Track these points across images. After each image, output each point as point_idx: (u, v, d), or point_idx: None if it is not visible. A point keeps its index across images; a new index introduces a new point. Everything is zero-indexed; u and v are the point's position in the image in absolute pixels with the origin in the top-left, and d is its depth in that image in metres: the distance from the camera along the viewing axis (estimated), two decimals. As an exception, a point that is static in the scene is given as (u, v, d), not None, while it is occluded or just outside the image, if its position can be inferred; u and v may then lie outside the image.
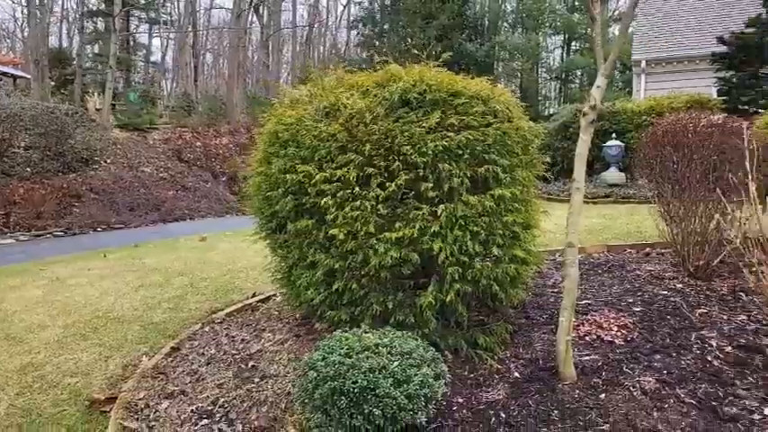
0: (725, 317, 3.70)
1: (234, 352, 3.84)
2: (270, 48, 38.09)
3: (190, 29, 35.87)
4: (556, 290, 4.56)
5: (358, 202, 3.15)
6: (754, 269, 3.32)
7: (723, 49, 10.80)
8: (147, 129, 20.65)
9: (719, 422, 2.63)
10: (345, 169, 3.17)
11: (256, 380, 3.40)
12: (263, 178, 3.74)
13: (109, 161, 16.77)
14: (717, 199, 4.19)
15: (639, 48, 15.46)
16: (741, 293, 4.08)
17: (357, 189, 3.18)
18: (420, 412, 2.42)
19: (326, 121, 3.36)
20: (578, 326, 3.62)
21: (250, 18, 33.89)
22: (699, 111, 10.03)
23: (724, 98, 10.95)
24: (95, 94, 23.07)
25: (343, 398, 2.36)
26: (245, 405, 3.12)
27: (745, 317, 3.69)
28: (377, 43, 27.59)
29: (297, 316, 4.27)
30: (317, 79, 3.79)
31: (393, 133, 3.17)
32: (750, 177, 3.43)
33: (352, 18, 35.34)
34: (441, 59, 3.67)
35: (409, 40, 25.02)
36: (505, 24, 34.26)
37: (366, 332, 2.79)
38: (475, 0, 30.69)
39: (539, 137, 3.71)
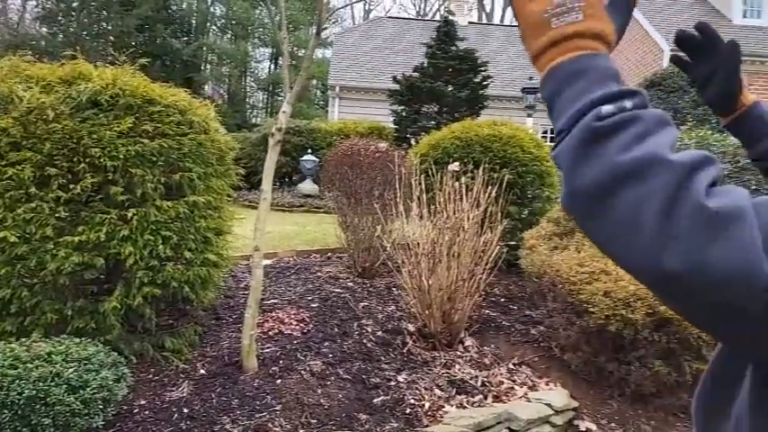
0: (380, 308, 4.57)
1: None
2: None
3: None
4: (247, 291, 4.89)
5: (34, 204, 2.92)
6: (400, 269, 4.22)
7: (396, 87, 12.95)
8: None
9: (366, 390, 3.31)
10: (19, 167, 2.90)
11: None
12: None
13: None
14: (380, 212, 5.14)
15: (335, 74, 17.28)
16: (394, 288, 5.07)
17: (33, 189, 2.94)
18: (97, 416, 2.42)
19: (-5, 112, 3.01)
20: (263, 322, 4.01)
21: None
22: (377, 137, 11.79)
23: (396, 128, 13.12)
24: None
25: (6, 411, 2.20)
26: None
27: (394, 307, 4.62)
28: (62, 20, 24.14)
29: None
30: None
31: (80, 134, 3.04)
32: (398, 196, 4.36)
33: (31, -15, 30.06)
34: (139, 62, 3.64)
35: (104, 24, 22.65)
36: (214, 27, 33.90)
37: (37, 341, 2.62)
38: (182, -4, 29.57)
39: (234, 149, 4.01)
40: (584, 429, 3.27)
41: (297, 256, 6.40)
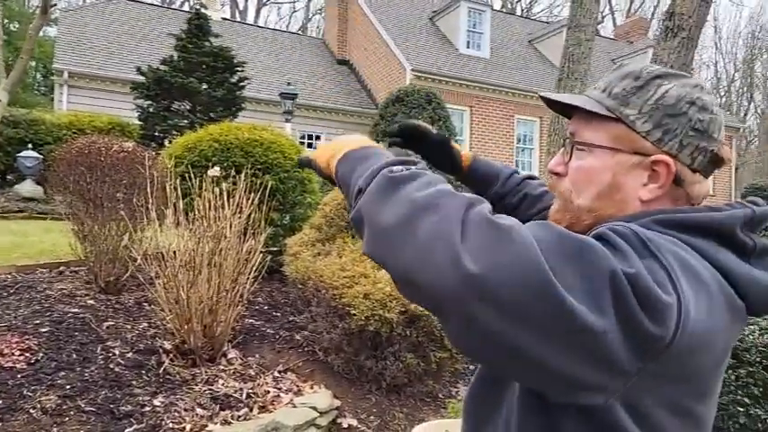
0: (129, 326, 4.10)
1: None
2: None
3: None
4: (-55, 320, 3.90)
5: None
6: (154, 282, 3.84)
7: (142, 79, 11.83)
8: None
9: (116, 421, 2.93)
10: None
11: None
12: None
13: None
14: (127, 219, 4.61)
15: (63, 57, 14.93)
16: (145, 303, 4.60)
17: None
18: None
19: None
20: (-28, 358, 3.25)
21: None
22: (120, 134, 10.58)
23: (143, 125, 11.96)
24: None
25: None
26: None
27: (147, 324, 4.19)
28: None
29: None
30: None
31: None
32: (150, 202, 3.97)
33: None
34: None
35: None
36: None
37: None
38: None
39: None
40: (346, 426, 3.43)
41: (17, 272, 5.35)
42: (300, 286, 3.93)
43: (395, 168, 0.72)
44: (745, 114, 26.46)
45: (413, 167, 0.73)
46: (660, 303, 0.62)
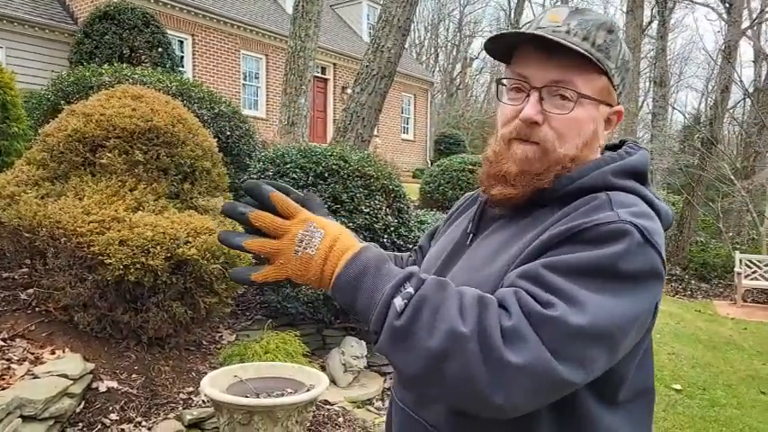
0: None
1: None
2: None
3: None
4: None
5: None
6: None
7: None
8: None
9: None
10: None
11: None
12: None
13: None
14: None
15: None
16: None
17: None
18: None
19: None
20: None
21: None
22: None
23: None
24: None
25: None
26: None
27: None
28: None
29: None
30: None
31: None
32: None
33: None
34: None
35: None
36: None
37: None
38: None
39: None
40: (105, 390, 3.03)
41: None
42: (28, 235, 3.21)
43: (398, 306, 0.72)
44: (433, 72, 30.76)
45: (411, 290, 0.73)
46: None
